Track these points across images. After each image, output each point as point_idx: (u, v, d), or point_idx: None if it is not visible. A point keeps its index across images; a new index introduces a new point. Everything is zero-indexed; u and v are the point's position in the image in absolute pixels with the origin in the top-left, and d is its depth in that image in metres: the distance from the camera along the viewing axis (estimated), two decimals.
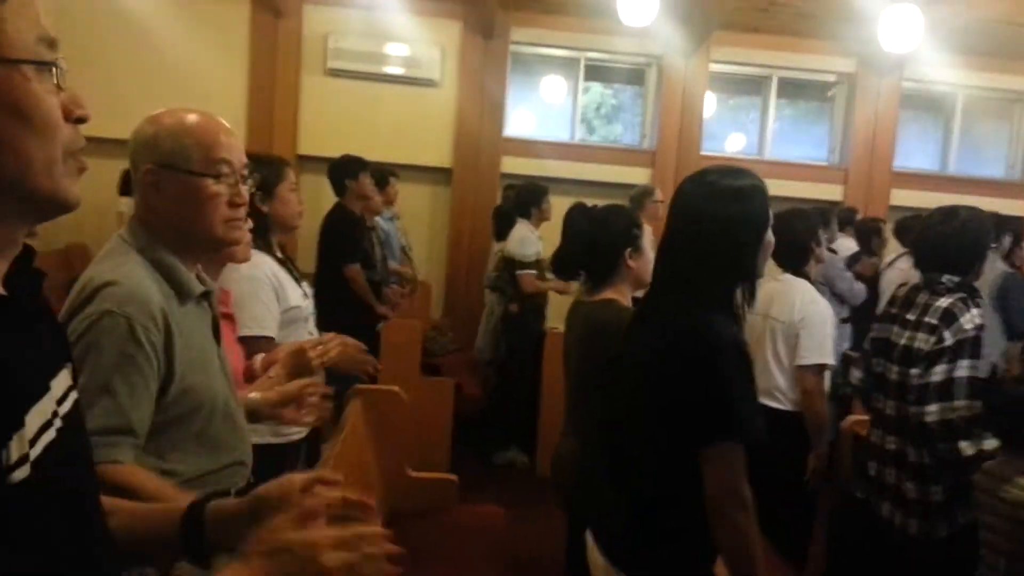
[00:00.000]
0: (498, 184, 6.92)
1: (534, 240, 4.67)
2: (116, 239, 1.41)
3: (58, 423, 0.79)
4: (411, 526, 2.86)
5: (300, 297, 2.45)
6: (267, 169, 2.43)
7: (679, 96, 7.15)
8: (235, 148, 1.47)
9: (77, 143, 0.81)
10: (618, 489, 1.65)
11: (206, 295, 1.47)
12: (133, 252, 1.38)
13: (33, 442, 0.72)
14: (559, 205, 7.13)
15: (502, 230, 5.03)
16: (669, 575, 1.57)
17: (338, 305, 4.22)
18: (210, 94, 6.66)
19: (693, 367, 1.51)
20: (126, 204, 6.20)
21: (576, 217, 2.34)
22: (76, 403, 0.87)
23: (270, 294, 2.33)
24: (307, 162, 6.65)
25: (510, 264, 4.67)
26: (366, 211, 4.82)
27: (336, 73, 6.82)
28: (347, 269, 4.20)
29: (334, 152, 6.50)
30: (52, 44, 0.78)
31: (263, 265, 2.34)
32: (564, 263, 2.35)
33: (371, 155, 6.71)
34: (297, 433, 2.44)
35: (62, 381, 0.84)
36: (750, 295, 1.63)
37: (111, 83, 6.54)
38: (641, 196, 5.30)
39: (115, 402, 1.25)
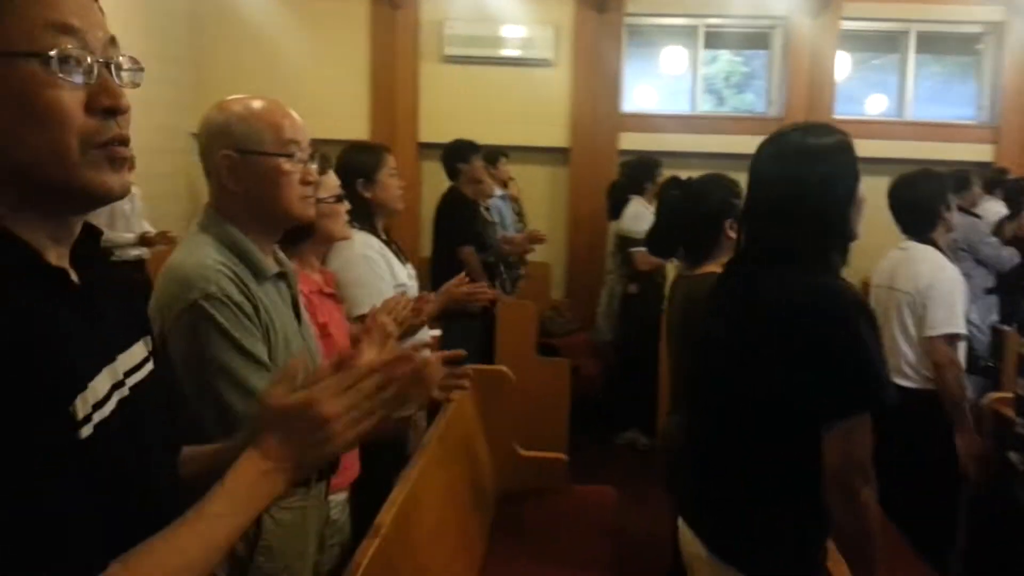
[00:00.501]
0: (616, 161, 6.80)
1: (648, 216, 4.55)
2: (193, 227, 1.48)
3: (125, 392, 0.85)
4: (522, 506, 2.89)
5: (407, 276, 2.50)
6: (367, 156, 2.50)
7: (807, 58, 6.77)
8: (300, 129, 1.52)
9: (104, 133, 0.81)
10: (716, 475, 1.57)
11: (283, 276, 1.51)
12: (208, 237, 1.44)
13: (98, 405, 0.77)
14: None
15: (616, 208, 4.95)
16: (781, 570, 1.48)
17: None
18: (334, 88, 6.90)
19: (822, 335, 1.38)
20: None
21: (670, 191, 2.26)
22: (151, 374, 0.93)
23: (386, 273, 2.40)
24: (428, 149, 6.77)
25: (624, 242, 4.59)
26: (479, 194, 4.87)
27: (452, 60, 6.90)
28: (461, 251, 4.25)
29: (453, 137, 6.66)
30: (71, 32, 0.78)
31: (373, 244, 2.42)
32: (659, 240, 2.27)
33: (488, 138, 6.79)
34: (406, 408, 2.50)
35: (136, 353, 0.91)
36: (844, 256, 1.52)
37: (237, 82, 6.91)
38: None
39: (252, 361, 1.32)
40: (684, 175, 2.28)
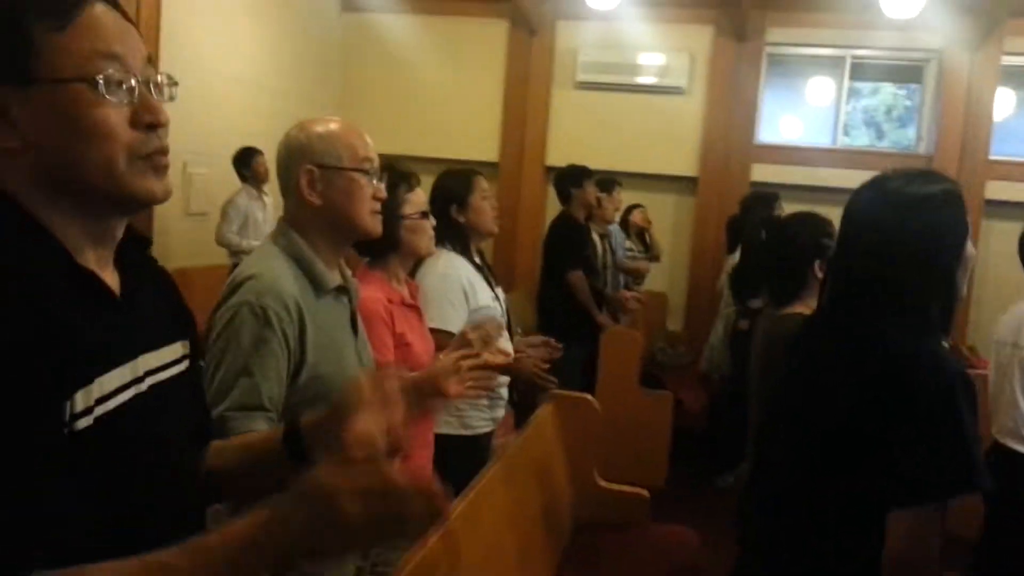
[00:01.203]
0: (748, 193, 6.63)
1: None
2: (266, 239, 1.57)
3: (143, 387, 0.91)
4: (598, 538, 2.85)
5: (491, 299, 2.54)
6: (458, 181, 2.58)
7: (963, 94, 6.36)
8: (372, 149, 1.60)
9: (147, 146, 0.89)
10: (776, 536, 1.50)
11: (343, 290, 1.58)
12: (277, 249, 1.53)
13: (102, 400, 0.84)
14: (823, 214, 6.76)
15: (734, 241, 4.81)
16: None
17: (560, 311, 4.31)
18: (467, 111, 7.13)
19: (923, 407, 1.26)
20: None
21: (757, 230, 2.18)
22: (182, 374, 1.00)
23: (459, 294, 2.45)
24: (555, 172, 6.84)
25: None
26: (599, 219, 4.89)
27: (585, 86, 6.97)
28: (570, 275, 4.26)
29: (581, 162, 6.69)
30: (115, 59, 0.87)
31: (457, 267, 2.50)
32: (743, 278, 2.20)
33: (616, 165, 6.82)
34: (486, 425, 2.54)
35: (166, 354, 0.98)
36: (948, 319, 1.39)
37: (379, 102, 7.25)
38: None
39: (251, 382, 1.39)
40: (823, 212, 2.14)
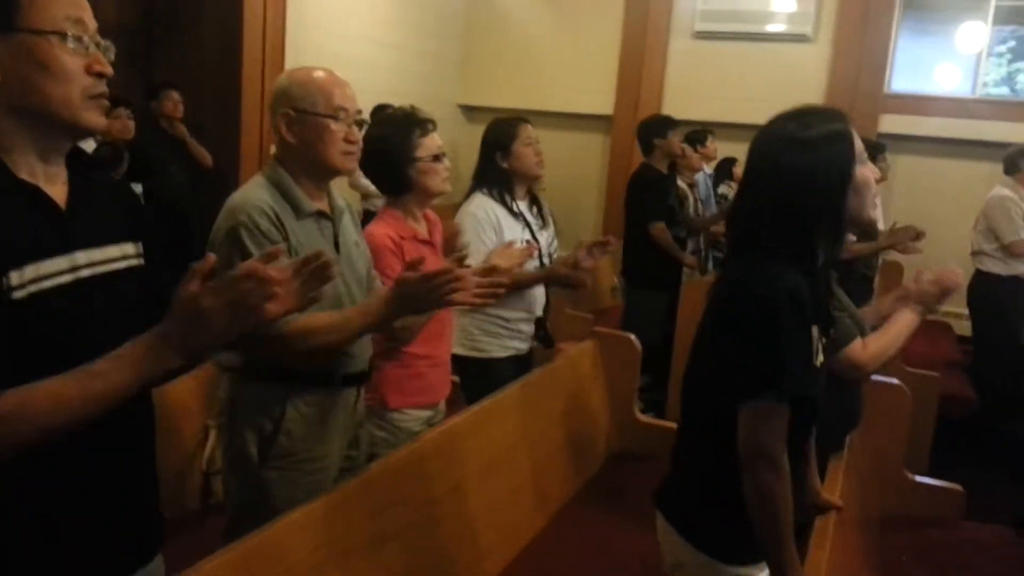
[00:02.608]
0: None
1: None
2: (258, 172, 1.82)
3: (81, 275, 1.16)
4: (629, 468, 2.94)
5: (519, 242, 2.69)
6: (504, 129, 2.76)
7: None
8: (349, 98, 1.81)
9: (96, 88, 1.15)
10: (677, 460, 1.63)
11: (325, 215, 1.80)
12: (263, 179, 1.77)
13: (37, 280, 1.10)
14: (955, 169, 6.34)
15: None
16: (709, 534, 1.52)
17: (644, 260, 4.39)
18: (583, 64, 7.18)
19: (743, 318, 1.42)
20: None
21: None
22: (129, 269, 1.25)
23: (489, 232, 2.64)
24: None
25: None
26: (686, 168, 4.89)
27: (703, 35, 6.82)
28: (652, 226, 4.32)
29: (697, 115, 6.62)
30: (79, 23, 1.14)
31: (486, 208, 2.68)
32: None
33: (733, 116, 6.70)
34: (499, 351, 2.72)
35: (109, 252, 1.23)
36: (835, 247, 1.48)
37: (499, 56, 7.44)
38: (1016, 157, 4.50)
39: None
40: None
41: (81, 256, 1.17)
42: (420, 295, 1.66)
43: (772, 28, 6.56)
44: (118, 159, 3.73)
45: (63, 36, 1.11)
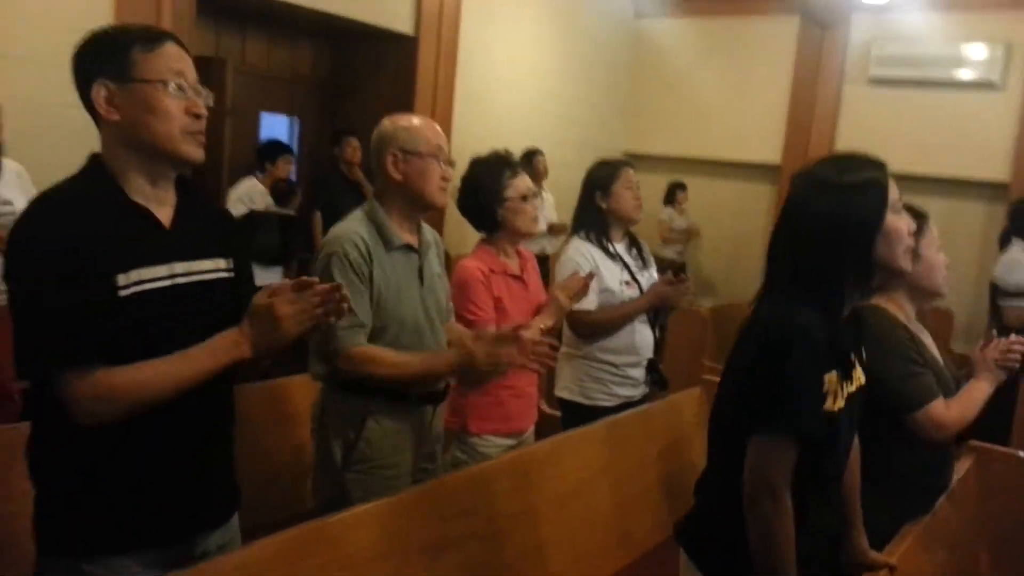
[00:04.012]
0: None
1: None
2: (358, 208, 2.07)
3: (176, 282, 1.44)
4: None
5: (619, 283, 2.79)
6: (606, 170, 2.86)
7: None
8: (443, 140, 2.05)
9: (193, 126, 1.44)
10: (701, 487, 1.68)
11: (412, 248, 2.03)
12: (361, 214, 2.03)
13: (140, 283, 1.39)
14: None
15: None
16: (723, 567, 1.55)
17: None
18: (751, 112, 7.13)
19: (758, 355, 1.47)
20: (666, 213, 7.09)
21: None
22: (218, 280, 1.52)
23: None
24: None
25: (995, 291, 4.06)
26: None
27: (879, 81, 6.60)
28: None
29: None
30: (180, 74, 1.44)
31: (583, 252, 2.79)
32: None
33: (911, 168, 6.40)
34: (607, 400, 2.81)
35: (204, 265, 1.50)
36: (862, 293, 1.52)
37: (665, 109, 7.54)
38: None
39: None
40: None
41: (179, 266, 1.46)
42: (482, 370, 1.89)
43: (955, 74, 6.22)
44: (291, 194, 4.23)
45: (166, 84, 1.41)
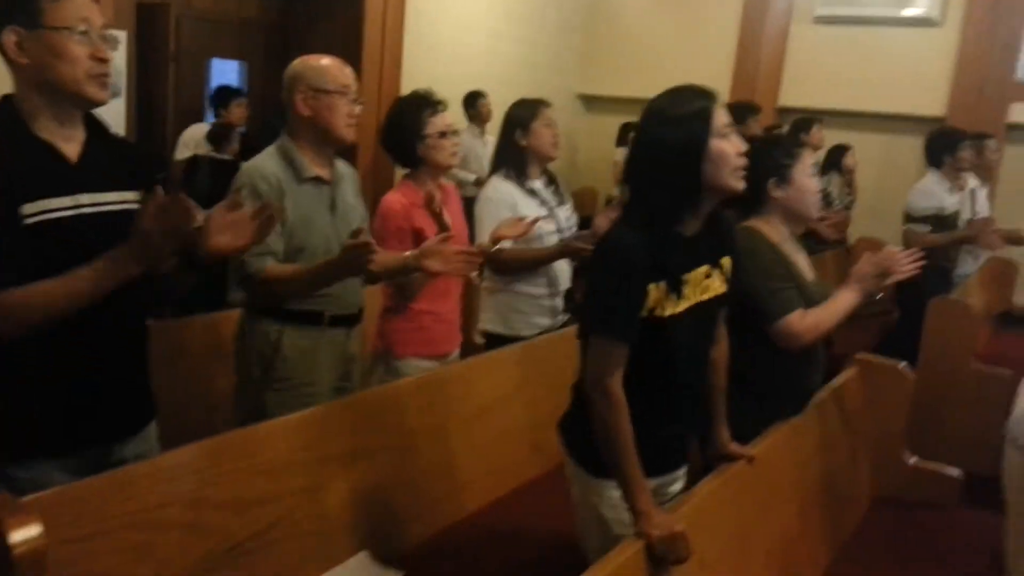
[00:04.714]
0: (1003, 135, 5.97)
1: (939, 193, 4.16)
2: (272, 145, 2.20)
3: (81, 212, 1.57)
4: (903, 516, 2.77)
5: (536, 210, 2.93)
6: (524, 109, 2.97)
7: None
8: (351, 78, 2.17)
9: (96, 68, 1.57)
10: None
11: (323, 180, 2.17)
12: (273, 148, 2.17)
13: (46, 212, 1.52)
14: None
15: None
16: (581, 450, 1.76)
17: None
18: (699, 52, 7.20)
19: (591, 267, 1.70)
20: (620, 154, 7.22)
21: None
22: (124, 211, 1.64)
23: (503, 211, 2.87)
24: (789, 113, 6.71)
25: (906, 218, 4.26)
26: None
27: (824, 20, 6.71)
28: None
29: (815, 102, 6.53)
30: (86, 20, 1.55)
31: (501, 190, 2.91)
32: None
33: (854, 105, 6.58)
34: (527, 329, 2.98)
35: (110, 197, 1.63)
36: (692, 212, 1.67)
37: (617, 46, 7.61)
38: None
39: None
40: None
41: (85, 198, 1.59)
42: (352, 263, 1.99)
43: (896, 12, 6.34)
44: (227, 138, 4.31)
45: (72, 30, 1.54)
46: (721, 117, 1.64)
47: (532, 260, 2.91)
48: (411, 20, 6.03)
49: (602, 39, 7.76)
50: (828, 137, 5.70)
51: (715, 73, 7.16)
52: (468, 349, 3.01)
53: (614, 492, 1.69)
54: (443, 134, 2.57)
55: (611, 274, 1.62)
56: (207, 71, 5.79)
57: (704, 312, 1.75)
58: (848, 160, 5.72)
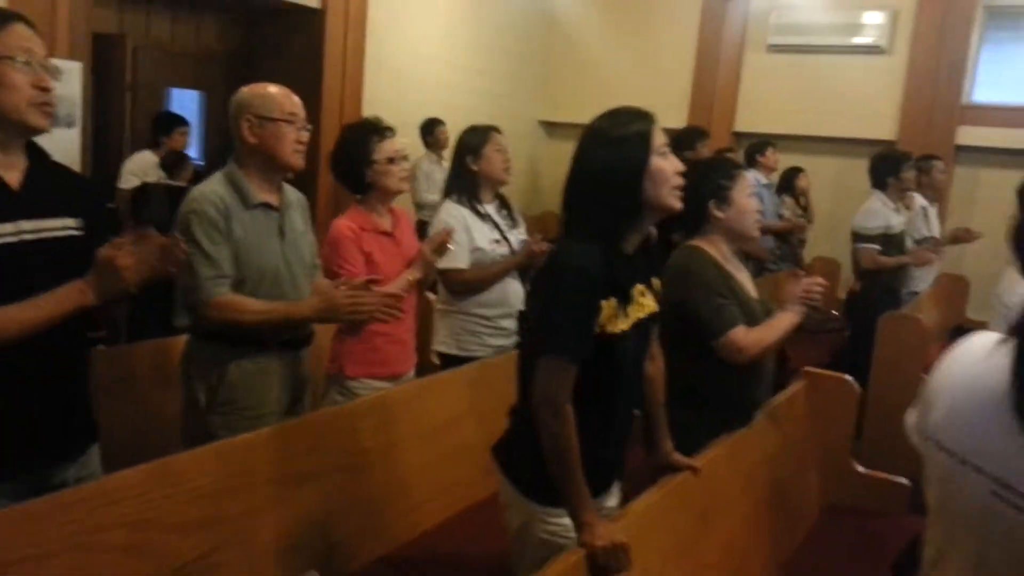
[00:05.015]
0: (952, 157, 6.14)
1: (885, 213, 4.27)
2: (218, 171, 2.22)
3: (22, 238, 1.58)
4: (853, 524, 2.80)
5: (489, 242, 2.98)
6: (475, 135, 3.04)
7: None
8: (298, 106, 2.18)
9: (39, 98, 1.59)
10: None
11: (271, 207, 2.18)
12: (221, 175, 2.17)
13: None
14: None
15: None
16: (525, 476, 1.74)
17: None
18: (658, 80, 7.35)
19: (541, 285, 1.70)
20: None
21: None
22: (67, 238, 1.67)
23: (461, 235, 2.92)
24: (745, 138, 6.85)
25: (855, 238, 4.36)
26: None
27: (777, 49, 6.88)
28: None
29: (769, 128, 6.68)
30: (28, 51, 1.58)
31: (454, 214, 2.96)
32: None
33: (807, 129, 6.74)
34: (481, 351, 3.00)
35: (53, 224, 1.65)
36: (635, 229, 1.70)
37: (577, 75, 7.74)
38: None
39: (207, 259, 2.04)
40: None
41: (27, 224, 1.60)
42: (343, 315, 2.11)
43: (845, 40, 6.53)
44: (180, 165, 4.32)
45: (14, 60, 1.56)
46: (659, 137, 1.69)
47: (491, 275, 2.96)
48: (371, 49, 6.09)
49: (562, 67, 7.90)
50: (784, 161, 5.86)
51: (673, 100, 7.33)
52: (426, 369, 3.02)
53: (561, 520, 1.69)
54: (391, 160, 2.59)
55: (566, 290, 1.62)
56: (165, 101, 5.79)
57: (643, 329, 1.78)
58: (801, 182, 5.87)
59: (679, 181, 1.72)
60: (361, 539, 2.28)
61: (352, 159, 2.58)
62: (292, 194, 2.31)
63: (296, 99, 2.21)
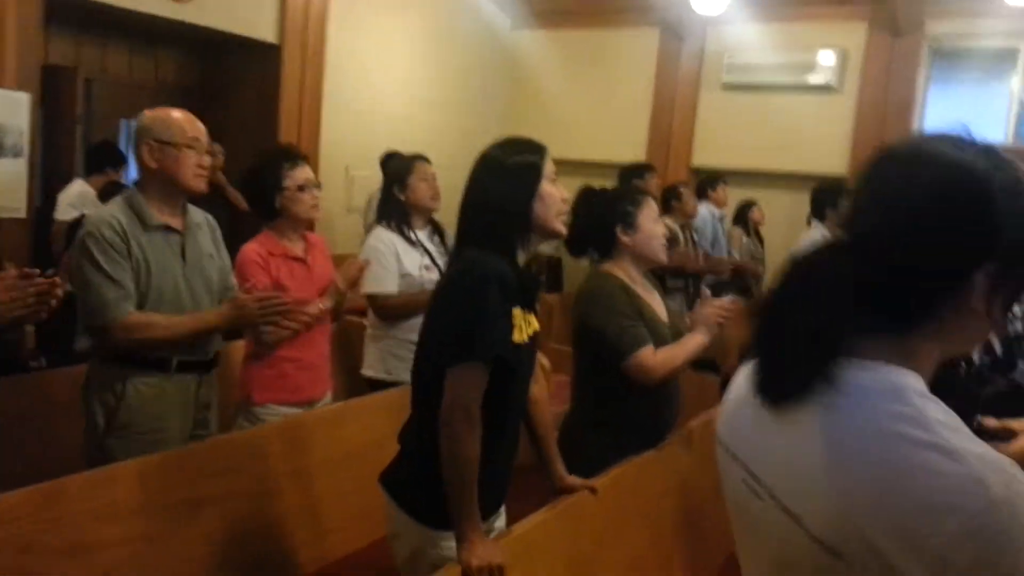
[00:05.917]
0: None
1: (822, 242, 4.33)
2: (118, 195, 2.23)
3: None
4: None
5: (418, 268, 3.00)
6: (401, 164, 3.08)
7: None
8: (201, 131, 2.19)
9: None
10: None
11: (173, 229, 2.19)
12: (120, 199, 2.18)
13: None
14: None
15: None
16: (417, 500, 1.73)
17: None
18: (617, 116, 7.46)
19: (457, 295, 1.68)
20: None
21: (582, 199, 2.43)
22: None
23: (390, 259, 2.95)
24: (701, 173, 6.94)
25: None
26: (679, 212, 5.10)
27: (731, 87, 7.00)
28: None
29: (724, 163, 6.80)
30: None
31: (383, 240, 2.99)
32: (572, 241, 2.43)
33: (760, 164, 6.85)
34: (408, 375, 2.99)
35: None
36: (527, 240, 1.76)
37: (541, 110, 7.85)
38: None
39: (110, 280, 2.05)
40: None
41: None
42: (249, 316, 2.15)
43: (797, 79, 6.66)
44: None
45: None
46: (550, 165, 1.77)
47: (417, 304, 2.93)
48: (329, 84, 6.14)
49: (525, 105, 7.99)
50: (739, 194, 5.95)
51: (632, 136, 7.44)
52: (357, 394, 3.00)
53: (453, 543, 1.67)
54: (302, 187, 2.60)
55: (484, 297, 1.63)
56: (119, 134, 5.81)
57: (533, 345, 1.80)
58: (754, 214, 5.97)
59: (565, 207, 1.77)
60: (267, 566, 2.25)
61: (262, 184, 2.59)
62: (200, 217, 2.32)
63: (199, 124, 2.22)
